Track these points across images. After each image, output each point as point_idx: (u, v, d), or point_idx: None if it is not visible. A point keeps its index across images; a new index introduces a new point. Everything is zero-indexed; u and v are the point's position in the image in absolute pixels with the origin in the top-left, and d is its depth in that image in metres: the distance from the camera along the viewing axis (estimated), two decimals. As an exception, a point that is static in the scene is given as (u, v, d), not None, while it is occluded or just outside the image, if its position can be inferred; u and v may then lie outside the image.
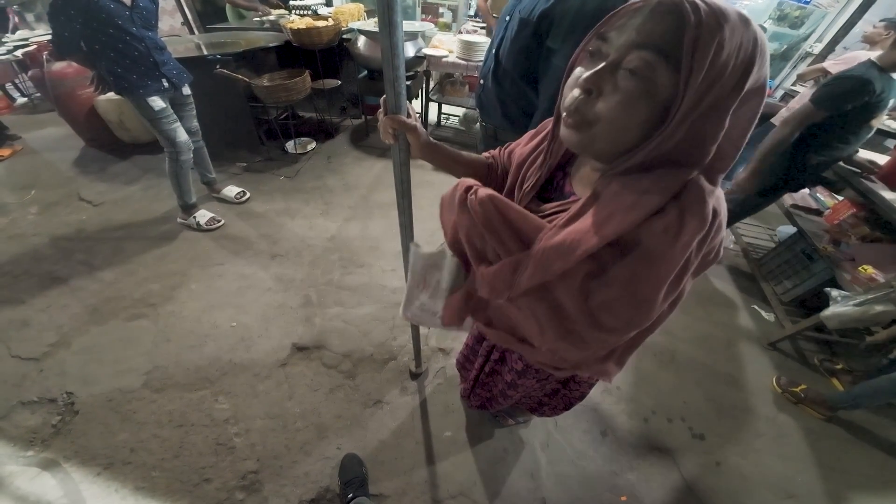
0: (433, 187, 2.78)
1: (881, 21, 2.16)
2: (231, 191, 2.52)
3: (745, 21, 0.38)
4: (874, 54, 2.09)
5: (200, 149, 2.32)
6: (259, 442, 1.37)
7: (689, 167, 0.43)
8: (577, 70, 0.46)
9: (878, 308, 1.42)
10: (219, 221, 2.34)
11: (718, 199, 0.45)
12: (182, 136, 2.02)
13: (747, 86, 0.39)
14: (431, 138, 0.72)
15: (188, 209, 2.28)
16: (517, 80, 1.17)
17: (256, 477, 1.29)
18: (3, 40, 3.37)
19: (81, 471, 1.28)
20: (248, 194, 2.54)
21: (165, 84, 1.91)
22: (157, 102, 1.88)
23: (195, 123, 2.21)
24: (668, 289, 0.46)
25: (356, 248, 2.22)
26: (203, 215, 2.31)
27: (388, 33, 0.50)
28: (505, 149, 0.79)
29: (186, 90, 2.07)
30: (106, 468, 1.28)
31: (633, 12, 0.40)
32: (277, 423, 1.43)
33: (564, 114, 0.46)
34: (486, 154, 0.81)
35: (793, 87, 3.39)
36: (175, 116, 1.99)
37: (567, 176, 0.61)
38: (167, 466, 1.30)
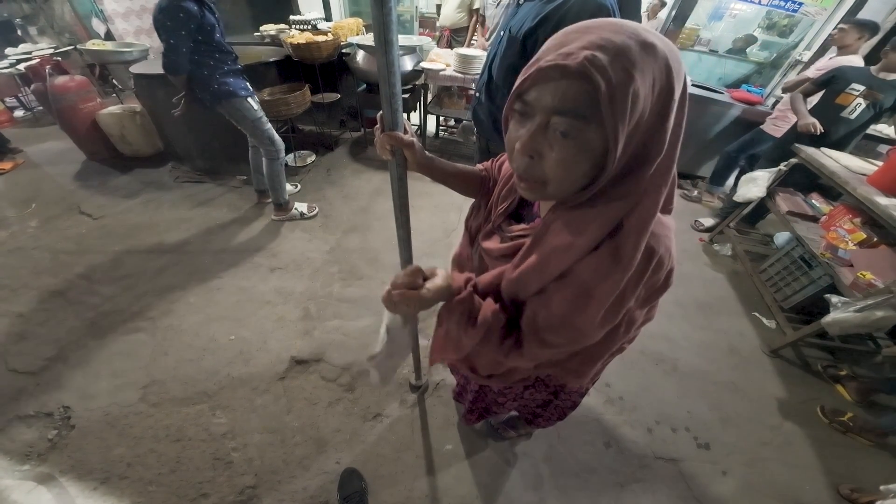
0: (431, 198, 2.79)
1: (846, 24, 2.23)
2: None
3: (649, 50, 0.37)
4: (847, 58, 2.21)
5: None
6: (257, 456, 1.35)
7: (629, 195, 0.44)
8: (511, 126, 0.47)
9: (879, 314, 1.41)
10: (315, 208, 2.54)
11: (657, 236, 0.46)
12: (278, 135, 2.16)
13: (673, 110, 0.41)
14: (427, 152, 0.73)
15: (283, 207, 2.44)
16: (506, 94, 1.19)
17: (254, 492, 1.27)
18: (6, 53, 3.42)
19: (78, 485, 1.26)
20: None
21: (250, 87, 2.05)
22: (256, 103, 2.02)
23: None
24: (606, 317, 0.49)
25: (355, 261, 2.22)
26: (301, 205, 2.51)
27: (384, 52, 0.51)
28: (496, 161, 0.81)
29: None
30: (102, 483, 1.27)
31: (544, 74, 0.40)
32: (276, 437, 1.41)
33: (516, 176, 0.49)
34: (479, 166, 0.83)
35: (783, 96, 3.44)
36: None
37: None
38: (164, 481, 1.28)
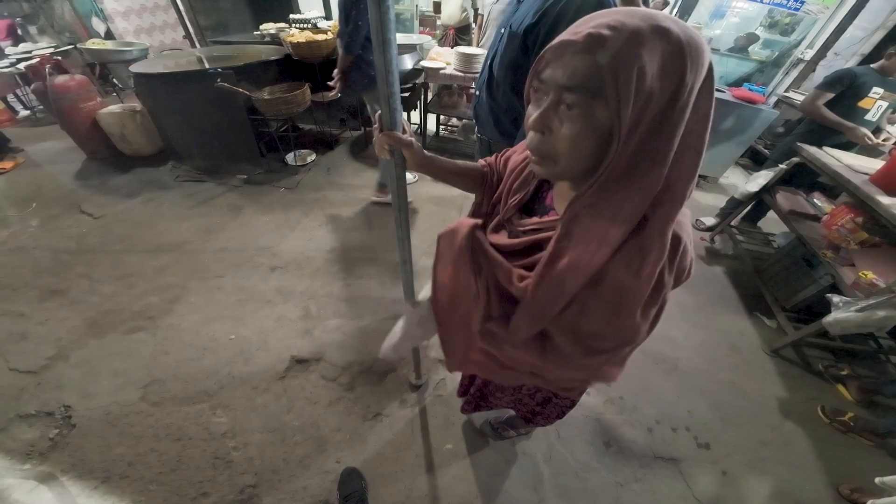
0: (432, 197, 2.79)
1: None
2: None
3: (661, 34, 0.37)
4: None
5: None
6: (257, 456, 1.35)
7: (648, 187, 0.43)
8: (530, 108, 0.48)
9: (881, 313, 1.41)
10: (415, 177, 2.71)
11: (681, 224, 0.47)
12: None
13: (684, 95, 0.39)
14: (426, 151, 0.72)
15: (385, 188, 2.59)
16: (508, 91, 1.19)
17: (254, 491, 1.27)
18: (7, 53, 3.42)
19: (79, 484, 1.26)
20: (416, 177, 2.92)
21: None
22: None
23: None
24: (646, 309, 0.49)
25: (356, 260, 2.22)
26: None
27: (381, 51, 0.50)
28: (501, 155, 0.79)
29: None
30: (103, 482, 1.27)
31: (556, 51, 0.42)
32: (276, 436, 1.41)
33: (529, 153, 0.49)
34: (481, 162, 0.81)
35: (786, 94, 3.43)
36: None
37: (550, 188, 0.63)
38: (165, 480, 1.28)
